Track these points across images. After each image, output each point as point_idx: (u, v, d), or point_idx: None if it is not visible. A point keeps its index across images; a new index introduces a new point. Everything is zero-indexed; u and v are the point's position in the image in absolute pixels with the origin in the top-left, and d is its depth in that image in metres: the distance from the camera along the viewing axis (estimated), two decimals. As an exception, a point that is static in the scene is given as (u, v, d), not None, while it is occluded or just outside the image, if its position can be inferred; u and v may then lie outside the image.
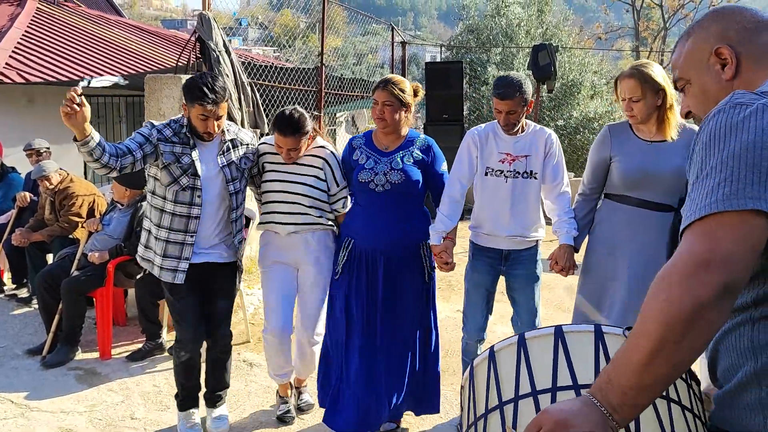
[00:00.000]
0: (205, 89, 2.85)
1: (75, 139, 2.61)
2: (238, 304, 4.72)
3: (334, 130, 11.54)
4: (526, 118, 3.09)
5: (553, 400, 1.22)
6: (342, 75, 9.22)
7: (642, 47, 23.15)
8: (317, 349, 3.32)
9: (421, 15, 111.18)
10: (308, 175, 3.13)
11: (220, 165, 3.04)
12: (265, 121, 5.33)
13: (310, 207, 3.12)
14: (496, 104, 3.01)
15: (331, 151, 3.19)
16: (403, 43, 9.87)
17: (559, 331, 1.32)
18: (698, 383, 1.32)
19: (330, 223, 3.21)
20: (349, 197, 3.24)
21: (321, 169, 3.14)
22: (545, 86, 8.20)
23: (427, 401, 3.23)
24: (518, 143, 3.06)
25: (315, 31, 7.43)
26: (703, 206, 1.06)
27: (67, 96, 2.51)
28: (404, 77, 9.72)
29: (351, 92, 8.85)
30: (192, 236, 3.00)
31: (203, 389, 3.33)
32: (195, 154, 2.98)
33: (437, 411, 3.28)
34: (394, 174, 2.98)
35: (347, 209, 3.24)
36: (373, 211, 3.05)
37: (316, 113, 7.12)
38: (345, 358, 3.09)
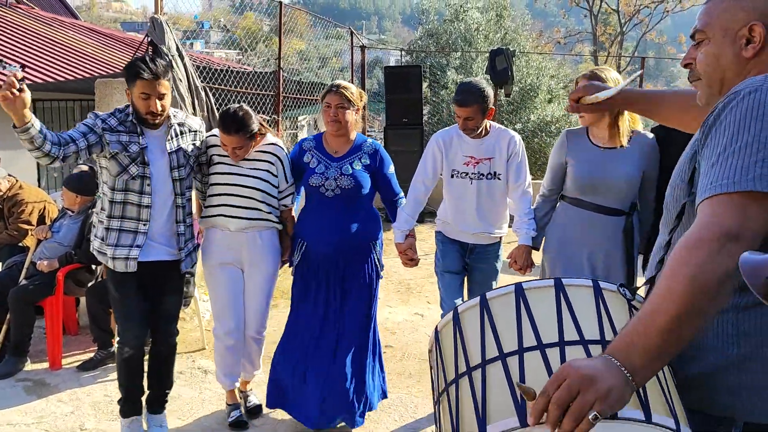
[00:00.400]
0: (142, 65, 2.82)
1: (14, 126, 2.53)
2: (193, 311, 4.67)
3: (296, 133, 11.51)
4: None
5: (562, 354, 1.20)
6: (302, 79, 9.18)
7: (600, 51, 23.61)
8: (261, 347, 3.38)
9: (385, 18, 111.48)
10: (261, 169, 3.14)
11: (168, 151, 2.98)
12: (221, 126, 5.28)
13: (262, 202, 3.12)
14: (456, 110, 3.12)
15: (283, 149, 3.23)
16: (363, 48, 9.90)
17: (559, 284, 1.31)
18: None
19: (277, 221, 3.22)
20: (295, 194, 3.28)
21: (273, 164, 3.17)
22: (503, 90, 8.31)
23: (370, 396, 3.23)
24: (482, 146, 3.18)
25: (278, 34, 7.39)
26: (737, 181, 1.10)
27: (6, 80, 2.43)
28: (364, 81, 9.83)
29: (311, 96, 8.83)
30: (145, 225, 2.95)
31: (146, 393, 3.25)
32: (143, 142, 2.93)
33: (374, 407, 3.29)
34: (345, 179, 3.07)
35: (296, 204, 3.29)
36: (324, 214, 3.12)
37: (274, 117, 7.09)
38: (300, 355, 3.13)
